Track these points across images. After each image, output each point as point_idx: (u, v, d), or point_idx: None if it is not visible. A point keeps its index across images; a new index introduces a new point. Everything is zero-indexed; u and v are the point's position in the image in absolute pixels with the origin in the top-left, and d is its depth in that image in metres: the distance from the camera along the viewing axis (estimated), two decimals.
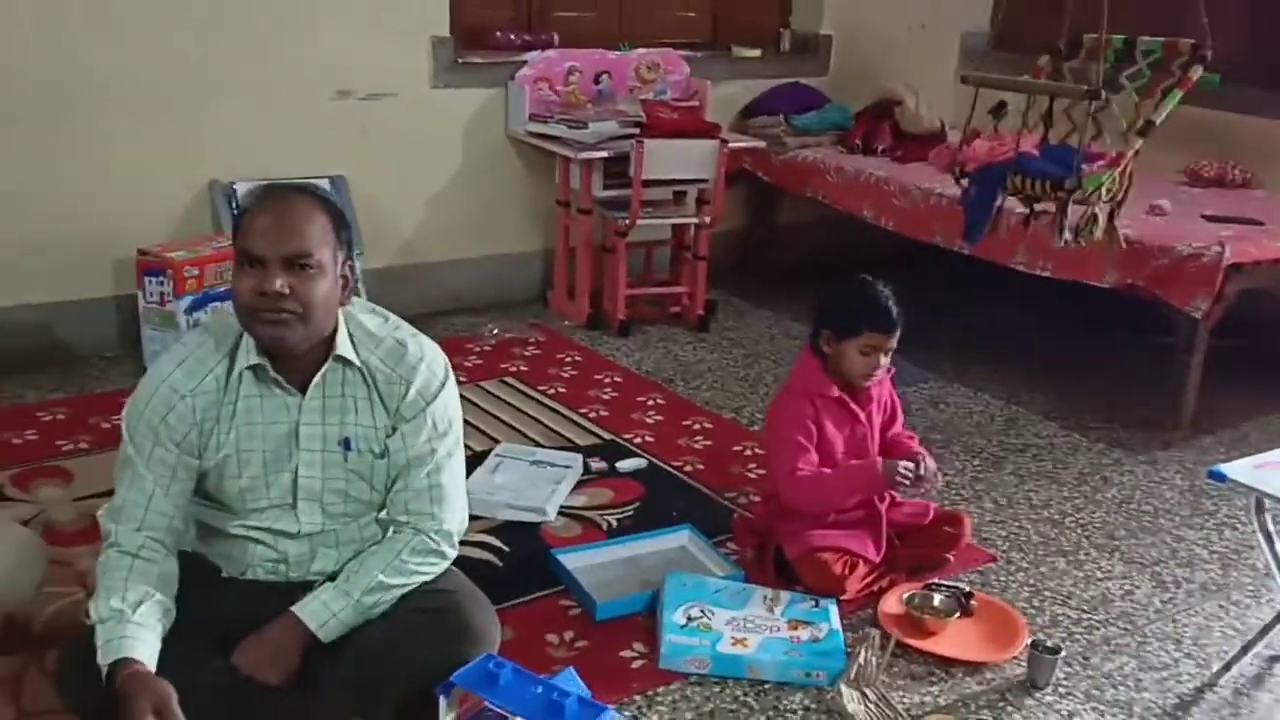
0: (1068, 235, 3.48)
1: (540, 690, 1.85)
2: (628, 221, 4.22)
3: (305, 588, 2.08)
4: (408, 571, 2.08)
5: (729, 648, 2.36)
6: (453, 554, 2.15)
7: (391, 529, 2.12)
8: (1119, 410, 3.86)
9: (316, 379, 2.02)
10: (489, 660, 1.90)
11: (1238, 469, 2.38)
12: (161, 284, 3.56)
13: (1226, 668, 2.45)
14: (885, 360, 2.63)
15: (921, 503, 2.78)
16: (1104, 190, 3.40)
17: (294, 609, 2.02)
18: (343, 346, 2.02)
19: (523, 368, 3.98)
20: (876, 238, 4.54)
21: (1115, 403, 3.92)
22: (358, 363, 2.04)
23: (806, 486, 2.60)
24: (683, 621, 2.43)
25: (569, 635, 2.45)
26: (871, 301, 2.62)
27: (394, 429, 2.07)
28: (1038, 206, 3.61)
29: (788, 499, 2.65)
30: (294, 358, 1.99)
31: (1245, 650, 2.46)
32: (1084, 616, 2.64)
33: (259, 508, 2.06)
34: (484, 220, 4.57)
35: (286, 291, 1.89)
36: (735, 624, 2.43)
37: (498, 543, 2.81)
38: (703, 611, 2.46)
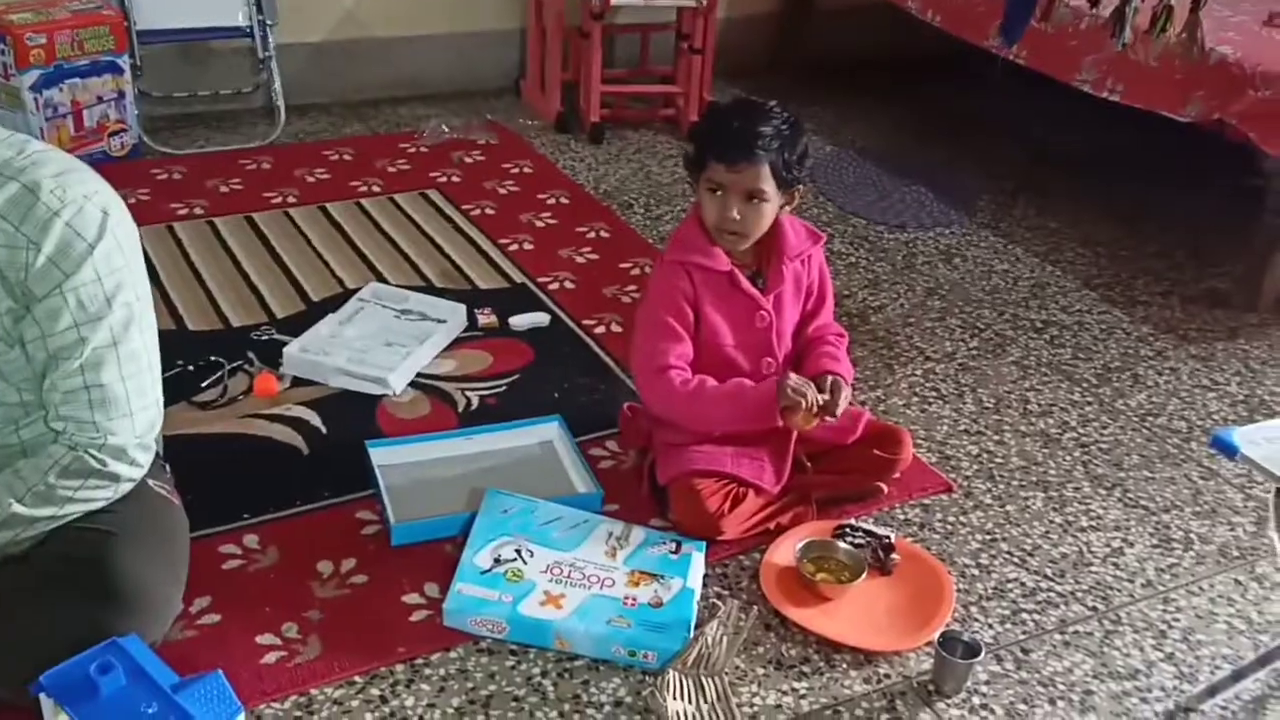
0: (1128, 33, 2.60)
1: (153, 711, 1.32)
2: None
3: None
4: (57, 499, 1.55)
5: (535, 608, 1.79)
6: (130, 473, 1.60)
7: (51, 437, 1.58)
8: (1180, 281, 3.06)
9: None
10: (102, 656, 1.37)
11: (1253, 436, 1.63)
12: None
13: (1211, 692, 1.79)
14: (761, 208, 1.91)
15: (851, 410, 2.09)
16: None
17: None
18: None
19: (455, 179, 3.32)
20: (927, 35, 3.66)
21: (1178, 270, 3.12)
22: None
23: (674, 398, 1.96)
24: (486, 565, 1.86)
25: (348, 565, 1.91)
26: (718, 122, 1.92)
27: (26, 310, 1.49)
28: None
29: (649, 403, 2.02)
30: None
31: (1237, 678, 1.79)
32: (1043, 586, 2.00)
33: None
34: None
35: None
36: (556, 572, 1.86)
37: (316, 420, 2.26)
38: (519, 552, 1.89)
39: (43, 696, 1.38)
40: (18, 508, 1.52)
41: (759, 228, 1.95)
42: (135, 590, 1.54)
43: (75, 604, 1.49)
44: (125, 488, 1.61)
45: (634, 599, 1.82)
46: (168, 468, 1.75)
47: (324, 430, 2.23)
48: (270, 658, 1.71)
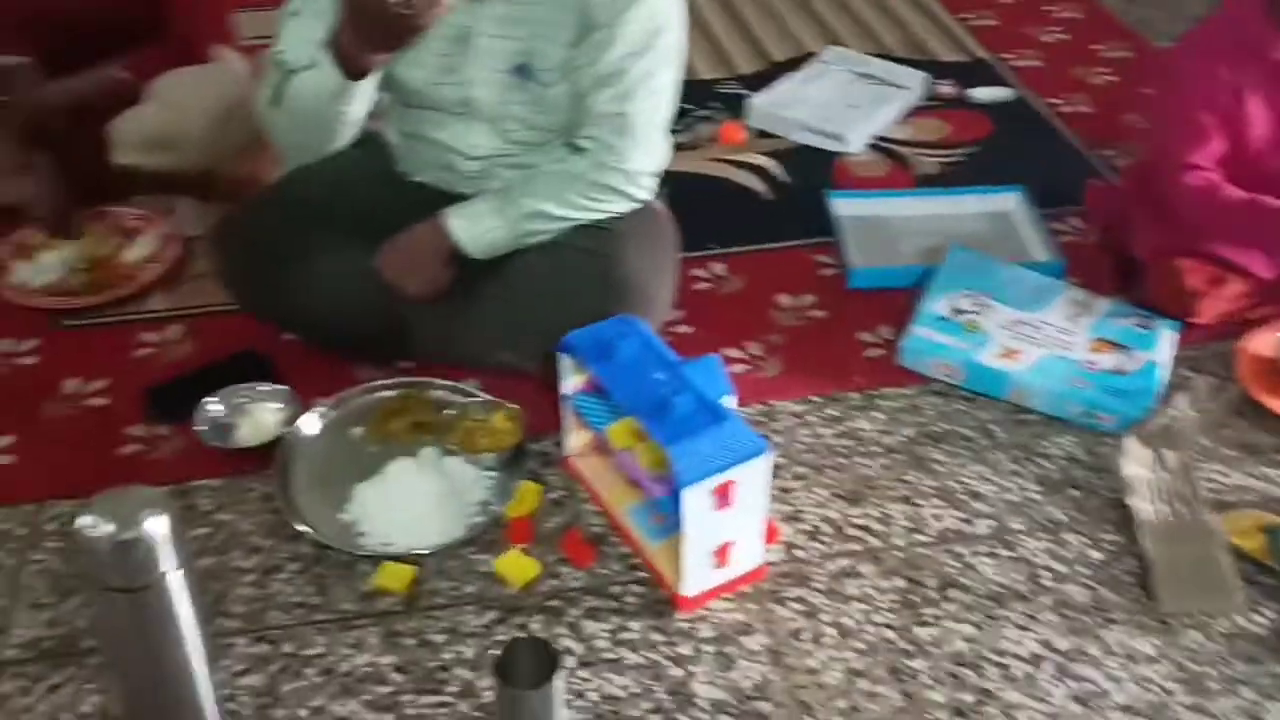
0: None
1: (660, 378, 1.46)
2: None
3: None
4: (578, 205, 1.71)
5: (993, 358, 1.80)
6: (640, 195, 1.74)
7: (574, 152, 1.74)
8: None
9: None
10: (619, 326, 1.52)
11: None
12: None
13: None
14: None
15: None
16: None
17: (445, 212, 1.73)
18: None
19: None
20: None
21: None
22: None
23: (1208, 208, 1.83)
24: (945, 313, 1.88)
25: (807, 300, 1.99)
26: None
27: (583, 37, 1.63)
28: None
29: (1176, 206, 1.89)
30: None
31: None
32: None
33: (432, 109, 1.75)
34: None
35: None
36: (1016, 329, 1.85)
37: (777, 170, 2.33)
38: (978, 305, 1.89)
39: (562, 356, 1.56)
40: (546, 205, 1.70)
41: None
42: (639, 286, 1.68)
43: (588, 292, 1.65)
44: (634, 205, 1.74)
45: (1095, 364, 1.79)
46: (664, 190, 1.88)
47: (784, 179, 2.31)
48: (736, 369, 1.83)
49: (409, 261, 1.74)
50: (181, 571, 1.15)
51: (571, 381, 1.59)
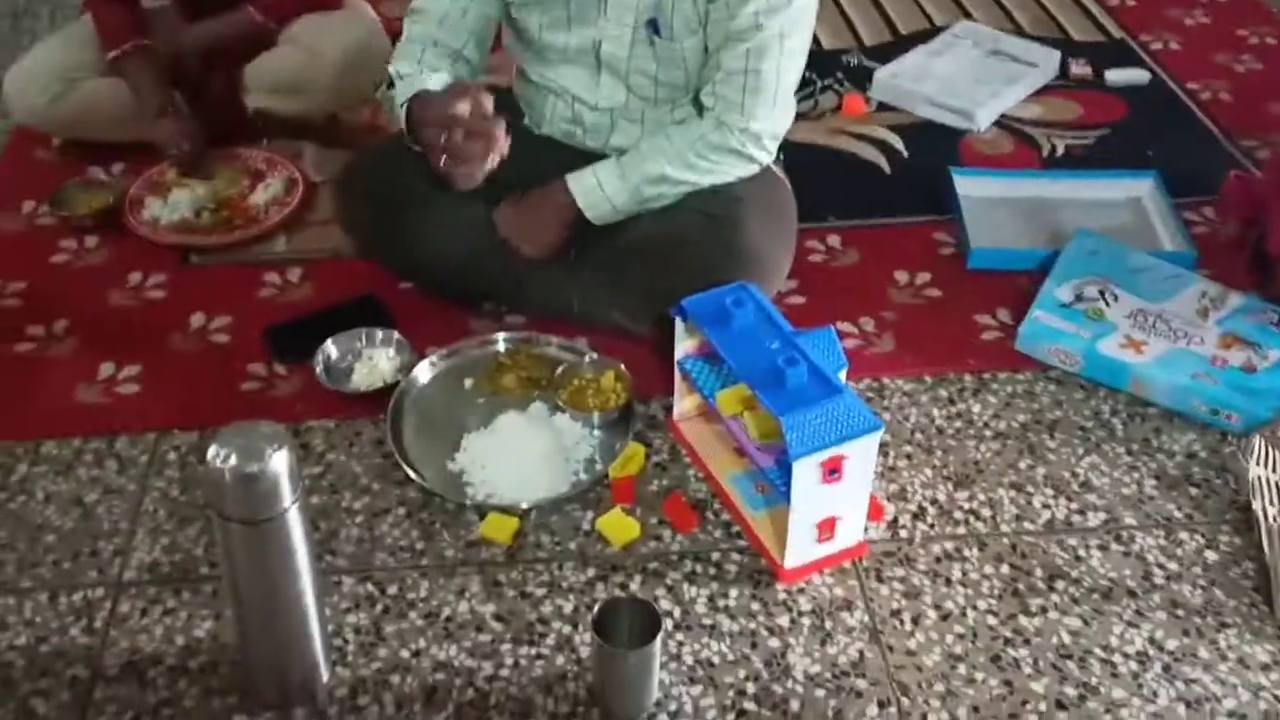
0: None
1: (775, 347, 1.45)
2: None
3: (600, 159, 1.77)
4: (699, 168, 1.70)
5: (1114, 348, 1.75)
6: (761, 158, 1.73)
7: (698, 114, 1.73)
8: None
9: None
10: (736, 293, 1.51)
11: None
12: None
13: None
14: None
15: None
16: None
17: (566, 177, 1.74)
18: None
19: None
20: None
21: None
22: None
23: None
24: (1067, 299, 1.83)
25: (923, 278, 1.96)
26: None
27: None
28: None
29: None
30: None
31: None
32: None
33: (560, 61, 1.75)
34: None
35: None
36: (1140, 319, 1.79)
37: (898, 144, 2.29)
38: (1103, 293, 1.84)
39: (678, 320, 1.55)
40: (667, 168, 1.69)
41: None
42: (759, 254, 1.67)
43: (706, 257, 1.65)
44: (755, 169, 1.73)
45: (1223, 360, 1.73)
46: (782, 157, 1.86)
47: (905, 154, 2.26)
48: (848, 343, 1.81)
49: (528, 223, 1.76)
50: (298, 506, 1.18)
51: (683, 345, 1.59)
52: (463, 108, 1.48)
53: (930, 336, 1.84)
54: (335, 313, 1.82)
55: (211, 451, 1.14)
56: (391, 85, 1.67)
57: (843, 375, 1.46)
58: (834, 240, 2.04)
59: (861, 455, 1.38)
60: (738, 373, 1.44)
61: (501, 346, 1.77)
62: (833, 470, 1.36)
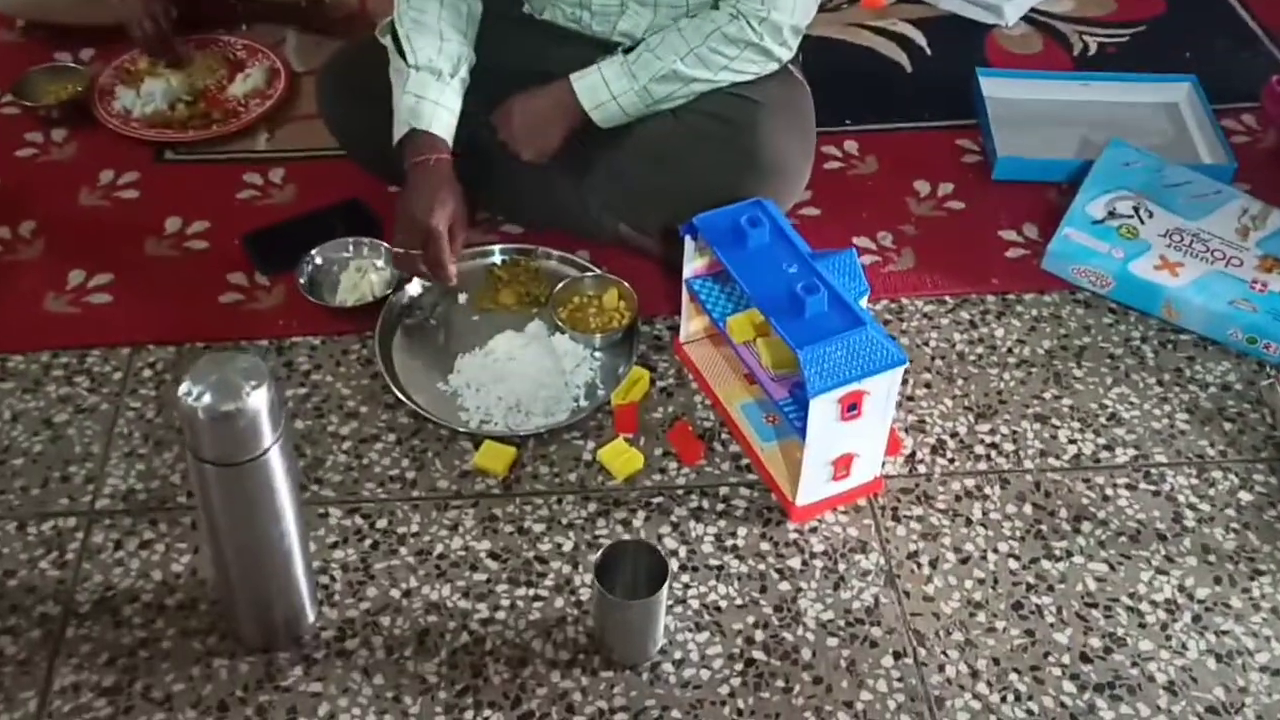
0: None
1: (793, 271, 1.34)
2: None
3: (607, 49, 1.64)
4: (714, 64, 1.57)
5: (1148, 270, 1.65)
6: (780, 53, 1.59)
7: (713, 6, 1.58)
8: None
9: None
10: (751, 210, 1.40)
11: None
12: None
13: None
14: None
15: None
16: None
17: (570, 77, 1.61)
18: None
19: None
20: None
21: None
22: None
23: None
24: (1099, 215, 1.72)
25: (945, 189, 1.84)
26: None
27: None
28: None
29: None
30: None
31: None
32: None
33: None
34: None
35: None
36: (1176, 239, 1.69)
37: (921, 40, 2.14)
38: (1136, 210, 1.73)
39: (688, 238, 1.45)
40: (679, 65, 1.56)
41: None
42: (776, 157, 1.56)
43: (720, 161, 1.54)
44: (773, 66, 1.60)
45: (1264, 284, 1.63)
46: (801, 57, 1.72)
47: (929, 52, 2.12)
48: (865, 260, 1.70)
49: (529, 126, 1.63)
50: (279, 444, 1.09)
51: (692, 265, 1.48)
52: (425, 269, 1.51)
53: (952, 253, 1.73)
54: (320, 218, 1.71)
55: (184, 388, 1.05)
56: (396, 42, 1.56)
57: (864, 302, 1.36)
58: (851, 146, 1.92)
59: (883, 391, 1.29)
60: (753, 299, 1.34)
61: (497, 259, 1.66)
62: (852, 406, 1.27)
